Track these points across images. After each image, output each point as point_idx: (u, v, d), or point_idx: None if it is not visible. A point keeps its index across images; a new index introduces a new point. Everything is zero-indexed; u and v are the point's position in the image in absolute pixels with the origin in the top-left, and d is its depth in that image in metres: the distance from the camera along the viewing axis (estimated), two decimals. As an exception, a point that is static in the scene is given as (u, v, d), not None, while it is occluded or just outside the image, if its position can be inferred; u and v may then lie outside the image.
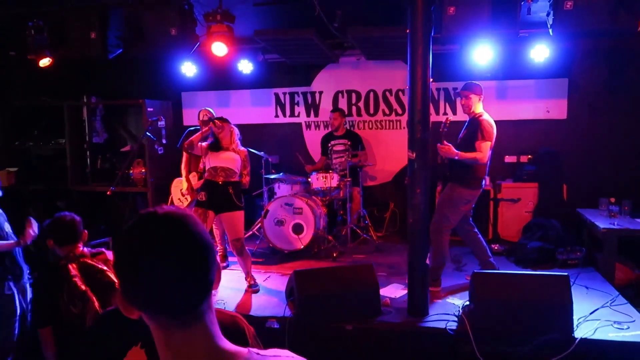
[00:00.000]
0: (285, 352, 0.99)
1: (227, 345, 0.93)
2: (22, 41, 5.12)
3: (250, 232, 6.05)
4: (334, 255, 5.39)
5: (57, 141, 7.18)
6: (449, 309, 3.87)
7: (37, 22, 4.93)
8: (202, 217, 4.33)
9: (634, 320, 3.61)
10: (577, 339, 3.28)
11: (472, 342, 3.36)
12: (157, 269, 0.87)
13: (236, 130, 4.61)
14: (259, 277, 4.82)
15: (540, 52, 5.50)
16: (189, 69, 6.50)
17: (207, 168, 4.48)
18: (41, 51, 4.95)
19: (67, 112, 6.91)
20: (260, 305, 4.14)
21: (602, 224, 4.84)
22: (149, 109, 6.64)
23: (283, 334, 3.67)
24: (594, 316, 3.66)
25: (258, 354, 0.95)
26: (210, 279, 0.93)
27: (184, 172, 5.43)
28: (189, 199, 5.42)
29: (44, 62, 5.06)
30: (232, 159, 4.44)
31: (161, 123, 6.49)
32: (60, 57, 5.00)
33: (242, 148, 4.58)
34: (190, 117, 7.18)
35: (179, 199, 5.57)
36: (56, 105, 6.94)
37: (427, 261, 3.76)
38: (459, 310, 3.76)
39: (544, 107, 6.14)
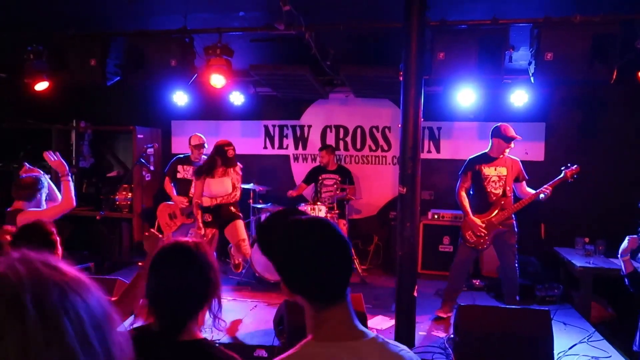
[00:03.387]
0: (406, 347, 1.24)
1: (359, 324, 1.19)
2: (15, 63, 5.18)
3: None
4: (320, 286, 5.44)
5: (42, 164, 7.12)
6: (434, 340, 3.96)
7: (36, 46, 5.02)
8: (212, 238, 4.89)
9: (611, 356, 3.77)
10: (557, 372, 3.41)
11: (458, 374, 3.44)
12: (323, 264, 1.15)
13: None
14: (246, 307, 4.85)
15: (520, 97, 5.83)
16: (180, 98, 6.63)
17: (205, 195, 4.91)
18: (39, 76, 5.02)
19: (55, 136, 6.93)
20: (248, 333, 4.16)
21: (578, 262, 5.05)
22: (139, 136, 6.72)
23: (272, 363, 3.69)
24: (573, 351, 3.81)
25: (383, 337, 1.21)
26: (352, 267, 1.22)
27: (172, 193, 5.52)
28: (178, 224, 5.46)
29: (41, 85, 5.13)
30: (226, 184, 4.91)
31: (150, 150, 6.58)
32: (58, 83, 5.07)
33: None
34: (178, 145, 7.26)
35: (167, 223, 5.59)
36: (44, 128, 6.95)
37: (415, 293, 3.86)
38: (444, 343, 3.85)
39: (523, 149, 6.42)
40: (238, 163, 5.02)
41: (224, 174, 4.92)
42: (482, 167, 4.56)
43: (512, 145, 4.54)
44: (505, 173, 4.55)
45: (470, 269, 5.20)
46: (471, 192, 4.64)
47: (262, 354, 3.84)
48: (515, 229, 4.57)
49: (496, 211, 4.51)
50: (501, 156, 4.57)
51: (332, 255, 1.16)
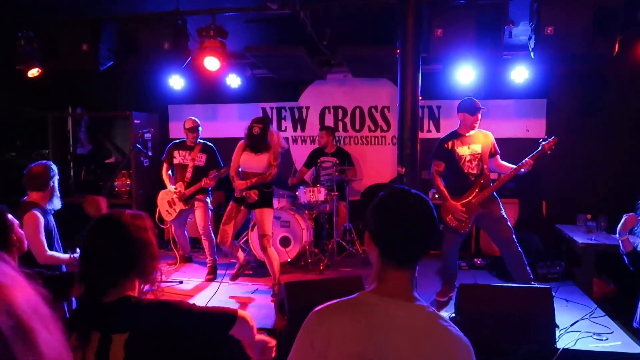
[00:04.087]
0: (453, 324, 1.33)
1: (416, 294, 1.34)
2: (8, 50, 5.11)
3: (237, 245, 6.06)
4: (321, 268, 5.45)
5: (39, 152, 7.10)
6: (435, 320, 3.96)
7: (27, 32, 4.94)
8: (234, 212, 4.71)
9: (612, 332, 3.76)
10: (559, 349, 3.40)
11: (459, 353, 3.44)
12: (404, 231, 1.30)
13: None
14: (247, 290, 4.85)
15: (520, 74, 5.73)
16: (176, 82, 6.55)
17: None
18: (30, 62, 4.96)
19: (51, 123, 6.88)
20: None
21: (580, 239, 5.02)
22: (135, 121, 6.66)
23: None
24: (575, 328, 3.80)
25: (433, 308, 1.33)
26: (429, 245, 1.33)
27: (166, 180, 5.48)
28: (177, 210, 5.43)
29: (33, 72, 5.06)
30: (260, 161, 4.73)
31: (148, 135, 6.52)
32: (50, 69, 5.00)
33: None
34: (176, 130, 7.20)
35: (167, 210, 5.56)
36: (40, 116, 6.89)
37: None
38: (445, 322, 3.85)
39: (524, 126, 6.37)
40: (277, 137, 4.80)
41: (261, 150, 4.73)
42: (455, 148, 4.32)
43: (479, 116, 4.29)
44: (479, 150, 4.33)
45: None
46: (448, 175, 4.43)
47: (263, 337, 3.84)
48: (499, 203, 4.35)
49: (475, 192, 4.29)
50: (472, 132, 4.33)
51: (415, 226, 1.30)
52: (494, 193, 4.35)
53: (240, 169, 4.84)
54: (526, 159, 4.22)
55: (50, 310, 0.64)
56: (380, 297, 1.30)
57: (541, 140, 4.33)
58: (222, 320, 1.69)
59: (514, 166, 4.27)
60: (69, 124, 7.12)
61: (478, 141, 4.36)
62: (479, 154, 4.32)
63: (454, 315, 3.88)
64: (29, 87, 5.86)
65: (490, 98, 6.40)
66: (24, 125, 7.15)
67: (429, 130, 6.72)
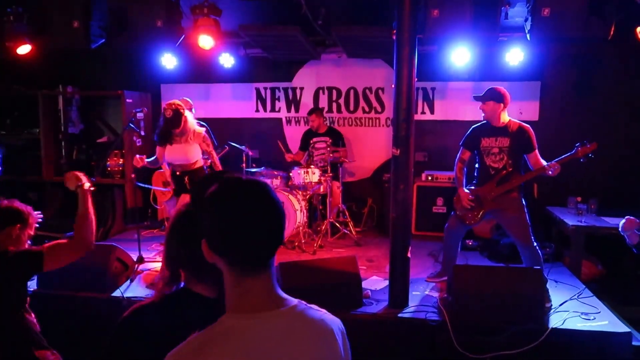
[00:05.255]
0: (327, 312, 1.22)
1: (282, 293, 1.15)
2: (-4, 27, 5.01)
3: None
4: (314, 248, 5.48)
5: (30, 131, 7.02)
6: (428, 300, 4.02)
7: (16, 8, 4.83)
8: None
9: (599, 312, 3.84)
10: (548, 328, 3.47)
11: (450, 332, 3.51)
12: (248, 228, 1.07)
13: (189, 116, 4.59)
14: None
15: (515, 56, 5.72)
16: (169, 60, 6.45)
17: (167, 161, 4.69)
18: (20, 39, 4.86)
19: (42, 102, 6.78)
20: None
21: (570, 221, 5.09)
22: (127, 100, 6.59)
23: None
24: (563, 308, 3.87)
25: (305, 304, 1.18)
26: (283, 237, 1.15)
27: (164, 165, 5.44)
28: (171, 192, 5.42)
29: (23, 49, 4.96)
30: (185, 151, 4.54)
31: (140, 115, 6.46)
32: (40, 46, 4.91)
33: (199, 129, 4.64)
34: (169, 110, 7.13)
35: (162, 192, 5.56)
36: (30, 94, 6.79)
37: (408, 254, 3.89)
38: (437, 302, 3.91)
39: (518, 108, 6.36)
40: (199, 129, 4.60)
41: (183, 140, 4.50)
42: (482, 138, 4.22)
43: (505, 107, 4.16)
44: (507, 144, 4.14)
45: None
46: (471, 164, 4.40)
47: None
48: (519, 203, 4.15)
49: (492, 186, 4.17)
50: (503, 123, 4.17)
51: (264, 219, 1.09)
52: (518, 193, 4.18)
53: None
54: (553, 161, 4.02)
55: None
56: (239, 317, 1.09)
57: (578, 144, 4.06)
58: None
59: (542, 165, 4.05)
60: (60, 103, 7.02)
61: (508, 134, 4.15)
62: (506, 147, 4.14)
63: (446, 295, 3.95)
64: (18, 64, 5.75)
65: (484, 80, 6.39)
66: (14, 103, 7.04)
67: (423, 112, 6.71)
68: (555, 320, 3.61)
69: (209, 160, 4.88)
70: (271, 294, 1.13)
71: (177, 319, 1.43)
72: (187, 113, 4.54)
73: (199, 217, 1.14)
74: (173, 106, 4.45)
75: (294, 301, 1.16)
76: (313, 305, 1.20)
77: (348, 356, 1.25)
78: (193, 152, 4.58)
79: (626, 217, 3.42)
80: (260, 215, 1.09)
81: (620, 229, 3.44)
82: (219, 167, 4.82)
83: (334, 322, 1.22)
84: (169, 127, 4.47)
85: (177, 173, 4.62)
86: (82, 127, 7.23)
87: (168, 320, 1.44)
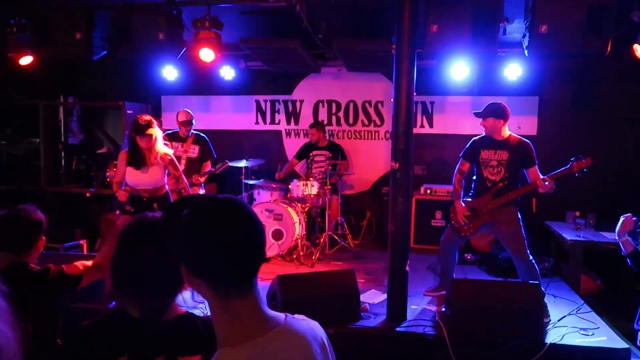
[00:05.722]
0: (311, 321, 1.20)
1: (269, 310, 1.11)
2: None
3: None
4: (312, 261, 5.47)
5: (30, 140, 7.05)
6: (426, 314, 4.00)
7: (19, 19, 4.88)
8: None
9: (598, 327, 3.82)
10: (547, 343, 3.46)
11: (449, 347, 3.49)
12: (229, 246, 1.03)
13: (159, 135, 4.40)
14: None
15: (514, 71, 5.77)
16: (170, 72, 6.51)
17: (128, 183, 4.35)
18: (23, 50, 4.90)
19: (42, 112, 6.82)
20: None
21: (568, 235, 5.09)
22: (128, 112, 6.62)
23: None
24: (562, 323, 3.86)
25: (293, 317, 1.15)
26: (264, 254, 1.11)
27: None
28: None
29: (25, 60, 5.00)
30: (152, 175, 4.29)
31: (140, 126, 6.47)
32: (43, 57, 4.95)
33: (167, 151, 4.38)
34: (169, 121, 7.15)
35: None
36: (32, 104, 6.83)
37: (407, 268, 3.88)
38: (435, 316, 3.90)
39: (516, 123, 6.38)
40: (165, 151, 4.38)
41: (149, 162, 4.28)
42: (481, 150, 4.25)
43: (506, 122, 4.18)
44: (506, 157, 4.14)
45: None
46: (470, 176, 4.42)
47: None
48: (515, 216, 4.14)
49: (487, 198, 4.18)
50: (503, 137, 4.17)
51: (243, 235, 1.05)
52: (514, 206, 4.18)
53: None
54: (546, 176, 4.00)
55: (5, 303, 0.64)
56: (242, 348, 1.05)
57: (573, 158, 4.05)
58: None
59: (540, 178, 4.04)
60: (61, 113, 7.06)
61: (508, 148, 4.16)
62: (505, 160, 4.15)
63: (444, 309, 3.93)
64: (20, 74, 5.79)
65: (483, 95, 6.45)
66: (15, 113, 7.08)
67: (422, 126, 6.75)
68: (554, 336, 3.59)
69: (179, 185, 4.62)
70: (261, 316, 1.09)
71: (115, 343, 1.41)
72: (157, 132, 4.30)
73: (173, 242, 1.08)
74: (144, 119, 4.23)
75: (282, 317, 1.12)
76: (297, 316, 1.18)
77: None
78: (160, 176, 4.31)
79: (623, 216, 3.36)
80: (239, 231, 1.04)
81: (617, 233, 3.39)
82: (189, 191, 4.55)
83: (320, 331, 1.21)
84: (135, 135, 4.18)
85: (144, 199, 4.28)
86: (82, 138, 7.26)
87: (109, 344, 1.42)
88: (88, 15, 4.65)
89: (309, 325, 1.18)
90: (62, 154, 7.07)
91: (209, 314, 1.24)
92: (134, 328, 1.42)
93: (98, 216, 6.46)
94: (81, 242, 5.93)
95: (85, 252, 5.81)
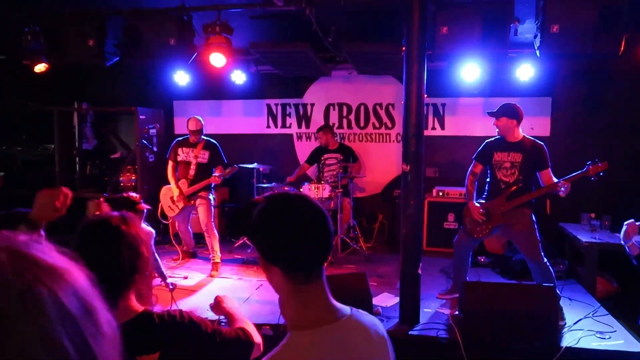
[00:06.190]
0: (375, 318, 1.28)
1: (334, 301, 1.20)
2: (14, 45, 5.13)
3: (241, 241, 6.10)
4: (325, 264, 5.45)
5: (45, 146, 7.15)
6: (439, 317, 3.98)
7: (33, 27, 4.96)
8: None
9: (615, 331, 3.76)
10: (562, 347, 3.41)
11: (462, 350, 3.46)
12: (301, 236, 1.14)
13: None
14: (251, 286, 4.88)
15: (526, 72, 5.72)
16: (181, 77, 6.56)
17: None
18: (37, 57, 4.97)
19: (57, 118, 6.91)
20: (254, 313, 4.18)
21: (583, 237, 5.03)
22: (141, 117, 6.68)
23: (277, 341, 3.72)
24: (578, 326, 3.81)
25: (358, 310, 1.24)
26: (332, 244, 1.21)
27: (171, 179, 5.49)
28: (180, 207, 5.45)
29: (40, 67, 5.08)
30: None
31: (153, 131, 6.55)
32: (56, 64, 5.02)
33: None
34: (181, 126, 7.21)
35: (169, 206, 5.58)
36: (46, 110, 6.93)
37: (419, 271, 3.86)
38: (449, 319, 3.87)
39: (529, 124, 6.33)
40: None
41: None
42: (494, 152, 4.22)
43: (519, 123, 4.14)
44: (519, 159, 4.11)
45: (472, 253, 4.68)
46: (483, 178, 4.39)
47: (268, 332, 3.87)
48: (529, 219, 4.09)
49: (501, 200, 4.13)
50: (517, 139, 4.14)
51: (314, 225, 1.16)
52: (528, 208, 4.13)
53: None
54: (563, 179, 3.96)
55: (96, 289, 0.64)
56: (311, 333, 1.13)
57: (589, 162, 4.01)
58: (242, 350, 1.63)
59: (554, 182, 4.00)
60: (75, 119, 7.15)
61: (522, 150, 4.13)
62: (518, 162, 4.12)
63: (457, 312, 3.90)
64: (34, 81, 5.89)
65: (494, 96, 6.40)
66: (30, 119, 7.19)
67: (433, 128, 6.72)
68: (569, 339, 3.55)
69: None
70: (328, 305, 1.18)
71: None
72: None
73: (253, 233, 1.21)
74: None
75: (347, 310, 1.21)
76: (362, 312, 1.26)
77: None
78: None
79: (626, 222, 3.31)
80: (310, 222, 1.16)
81: (622, 238, 3.33)
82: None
83: (382, 327, 1.29)
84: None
85: None
86: (96, 143, 7.35)
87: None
88: (100, 22, 4.71)
89: (372, 321, 1.25)
90: (77, 159, 7.15)
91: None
92: None
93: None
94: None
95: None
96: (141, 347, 1.44)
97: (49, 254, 0.60)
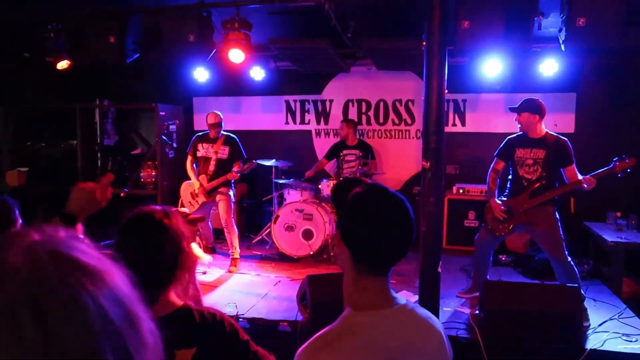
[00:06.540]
0: (429, 313, 1.32)
1: (393, 291, 1.25)
2: (37, 43, 5.21)
3: (260, 237, 6.11)
4: (343, 262, 5.43)
5: (68, 143, 7.27)
6: (459, 317, 3.92)
7: (56, 25, 5.03)
8: None
9: (642, 333, 3.66)
10: (586, 349, 3.33)
11: (482, 351, 3.40)
12: (380, 234, 1.19)
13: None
14: (270, 282, 4.88)
15: (550, 67, 5.59)
16: (201, 74, 6.58)
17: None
18: (59, 54, 5.04)
19: (79, 115, 7.01)
20: (272, 309, 4.19)
21: (609, 237, 4.90)
22: (161, 113, 6.73)
23: (294, 337, 3.72)
24: (603, 328, 3.71)
25: (412, 303, 1.28)
26: (408, 250, 1.23)
27: (191, 173, 5.52)
28: (200, 202, 5.48)
29: (62, 64, 5.15)
30: None
31: (172, 127, 6.58)
32: (78, 61, 5.08)
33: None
34: (200, 122, 7.26)
35: (190, 202, 5.62)
36: (68, 107, 7.03)
37: (439, 269, 3.80)
38: (469, 319, 3.81)
39: (552, 121, 6.20)
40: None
41: None
42: (516, 149, 4.13)
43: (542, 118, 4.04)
44: (542, 156, 4.03)
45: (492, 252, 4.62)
46: (506, 175, 4.31)
47: (285, 328, 3.87)
48: (552, 217, 4.01)
49: (524, 198, 4.04)
50: (540, 135, 4.05)
51: (398, 227, 1.20)
52: (551, 206, 4.05)
53: None
54: (589, 175, 3.88)
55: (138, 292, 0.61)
56: (367, 314, 1.20)
57: (616, 158, 3.92)
58: None
59: (578, 179, 3.93)
60: (97, 116, 7.24)
61: (544, 146, 4.05)
62: (541, 159, 4.04)
63: (477, 312, 3.84)
64: (57, 79, 5.98)
65: (517, 92, 6.26)
66: (53, 116, 7.31)
67: (454, 124, 6.62)
68: (594, 341, 3.46)
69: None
70: (386, 294, 1.24)
71: None
72: None
73: (339, 211, 1.28)
74: None
75: (403, 300, 1.26)
76: (417, 305, 1.30)
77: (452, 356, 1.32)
78: None
79: None
80: (396, 223, 1.20)
81: None
82: None
83: (439, 323, 1.32)
84: None
85: None
86: (117, 139, 7.43)
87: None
88: (121, 19, 4.75)
89: (427, 314, 1.30)
90: (98, 155, 7.25)
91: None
92: None
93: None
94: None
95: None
96: (180, 341, 1.42)
97: (90, 253, 0.57)
